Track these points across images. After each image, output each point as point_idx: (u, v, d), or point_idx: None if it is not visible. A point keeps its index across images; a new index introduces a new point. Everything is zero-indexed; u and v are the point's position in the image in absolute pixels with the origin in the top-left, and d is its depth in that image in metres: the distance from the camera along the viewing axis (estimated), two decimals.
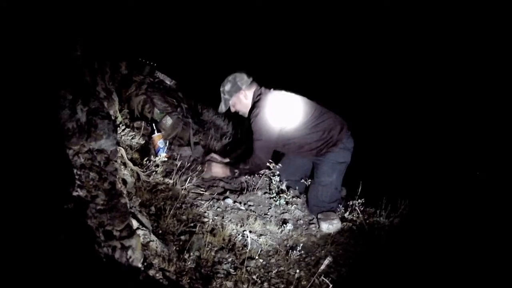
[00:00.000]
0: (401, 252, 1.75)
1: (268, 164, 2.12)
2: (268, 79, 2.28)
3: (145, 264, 1.11)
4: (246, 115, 2.23)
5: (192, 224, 1.57)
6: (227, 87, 2.15)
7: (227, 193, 2.05)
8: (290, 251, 1.65)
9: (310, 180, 2.28)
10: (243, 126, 2.79)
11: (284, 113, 2.09)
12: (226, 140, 2.84)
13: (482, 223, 2.07)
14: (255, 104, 2.12)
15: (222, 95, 2.18)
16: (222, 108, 2.21)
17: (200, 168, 2.17)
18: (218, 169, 2.17)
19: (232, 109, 2.24)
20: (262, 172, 2.14)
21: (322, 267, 1.37)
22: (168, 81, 2.63)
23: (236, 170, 2.17)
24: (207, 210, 1.79)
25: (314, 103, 2.18)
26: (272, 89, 2.18)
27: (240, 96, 2.16)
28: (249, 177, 2.15)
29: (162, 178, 1.79)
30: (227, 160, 2.32)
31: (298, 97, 2.18)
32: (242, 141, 2.72)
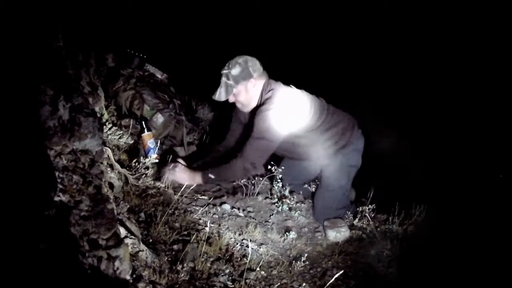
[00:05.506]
0: (416, 263, 1.75)
1: (258, 171, 2.01)
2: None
3: (134, 276, 1.11)
4: (246, 109, 2.09)
5: (185, 232, 1.57)
6: (234, 71, 1.95)
7: (225, 198, 2.05)
8: (294, 262, 1.65)
9: (314, 185, 2.28)
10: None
11: (298, 112, 2.00)
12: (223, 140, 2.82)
13: (507, 232, 2.06)
14: (267, 100, 1.97)
15: (224, 79, 1.97)
16: (222, 95, 1.99)
17: (161, 173, 1.92)
18: (183, 175, 1.94)
19: (231, 99, 2.04)
20: (259, 173, 2.11)
21: (331, 280, 1.37)
22: (159, 75, 2.62)
23: (211, 175, 1.96)
24: (202, 216, 1.79)
25: (324, 102, 2.15)
26: (281, 83, 2.06)
27: (249, 85, 1.98)
28: (247, 180, 2.13)
29: (152, 182, 1.79)
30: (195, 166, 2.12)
31: (309, 95, 2.11)
32: (210, 148, 2.46)
